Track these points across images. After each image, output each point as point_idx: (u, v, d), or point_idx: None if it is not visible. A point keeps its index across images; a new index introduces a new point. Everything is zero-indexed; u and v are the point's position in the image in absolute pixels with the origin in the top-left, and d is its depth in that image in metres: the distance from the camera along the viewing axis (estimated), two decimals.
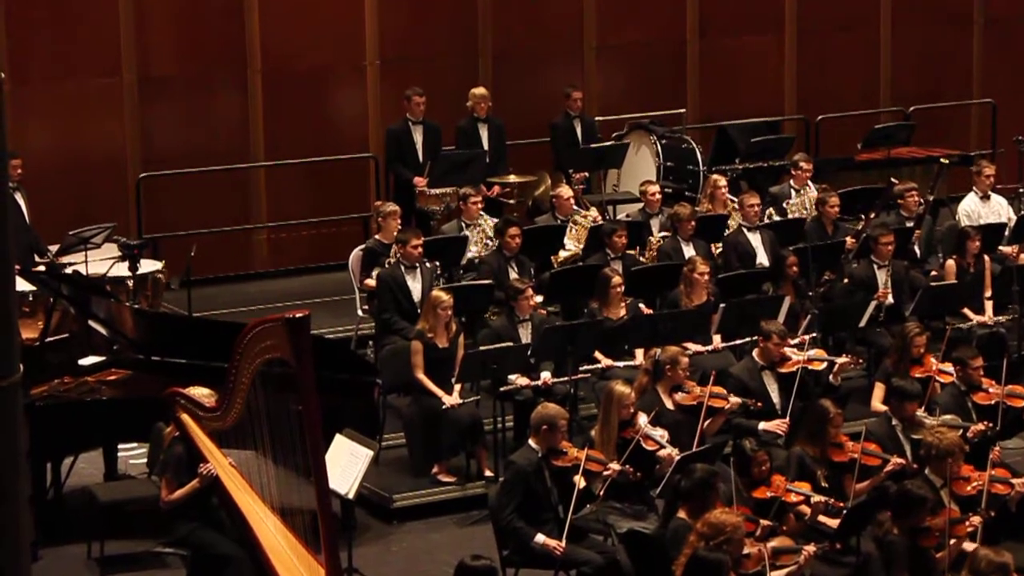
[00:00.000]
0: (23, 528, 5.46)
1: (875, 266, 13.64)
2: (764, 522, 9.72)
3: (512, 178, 15.56)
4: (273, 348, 8.24)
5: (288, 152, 16.36)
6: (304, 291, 15.51)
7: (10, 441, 5.33)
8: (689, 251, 13.81)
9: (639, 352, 12.45)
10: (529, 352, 12.02)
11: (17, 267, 6.72)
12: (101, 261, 13.21)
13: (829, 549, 9.75)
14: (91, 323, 11.50)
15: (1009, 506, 10.32)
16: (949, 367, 11.85)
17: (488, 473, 11.84)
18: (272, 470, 8.86)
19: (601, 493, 10.13)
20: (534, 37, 17.48)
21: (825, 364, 11.98)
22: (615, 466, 10.12)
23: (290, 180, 16.51)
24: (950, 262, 14.05)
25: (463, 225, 14.16)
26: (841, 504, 9.93)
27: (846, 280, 13.93)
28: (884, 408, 11.60)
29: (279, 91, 16.40)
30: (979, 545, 9.43)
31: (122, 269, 13.12)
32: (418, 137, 15.40)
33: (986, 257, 14.06)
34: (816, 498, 9.99)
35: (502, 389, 11.94)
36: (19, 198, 13.26)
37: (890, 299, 13.50)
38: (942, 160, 16.15)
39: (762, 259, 14.12)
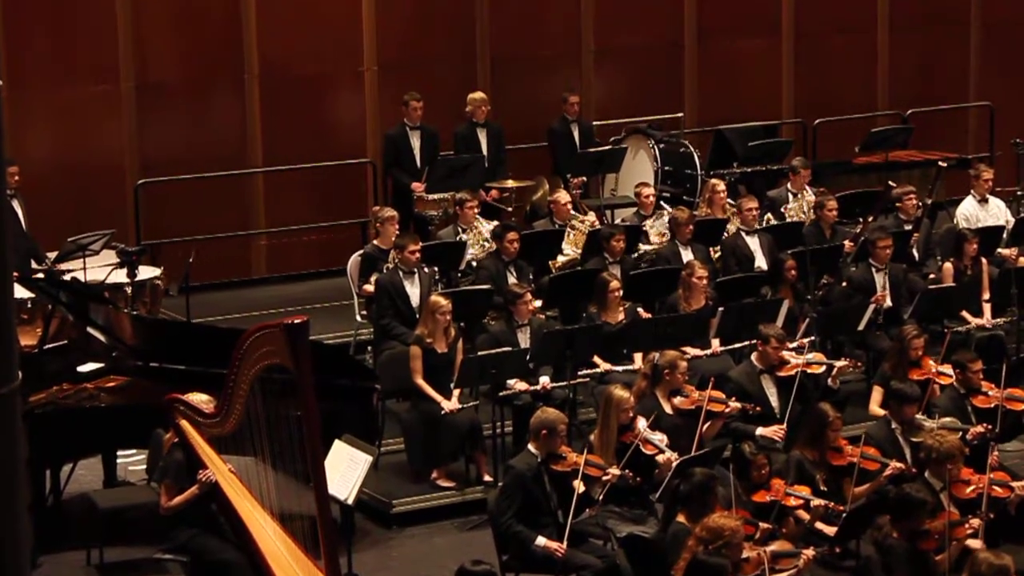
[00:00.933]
0: (23, 535, 5.46)
1: (873, 270, 13.65)
2: (763, 525, 9.73)
3: (510, 183, 15.57)
4: (272, 354, 8.25)
5: (286, 158, 16.36)
6: (303, 297, 15.51)
7: (9, 448, 5.33)
8: (687, 255, 13.82)
9: (638, 356, 12.45)
10: (528, 357, 12.02)
11: (15, 274, 6.73)
12: (99, 268, 13.20)
13: (828, 553, 9.76)
14: (90, 330, 11.50)
15: (1008, 509, 10.31)
16: (948, 370, 11.86)
17: (487, 478, 11.84)
18: (271, 476, 8.86)
19: (600, 497, 10.13)
20: (532, 42, 17.49)
21: (824, 368, 11.98)
22: (614, 471, 10.12)
23: (288, 186, 16.51)
24: (948, 265, 14.05)
25: (460, 230, 14.17)
26: (841, 508, 9.93)
27: (844, 284, 13.93)
28: (882, 412, 11.61)
29: (277, 97, 16.40)
30: (980, 547, 9.44)
31: (120, 276, 13.12)
32: (416, 142, 15.40)
33: (984, 260, 14.07)
34: (815, 502, 10.00)
35: (501, 394, 11.95)
36: (16, 205, 13.26)
37: (888, 302, 13.51)
38: (940, 163, 16.15)
39: (760, 263, 14.13)
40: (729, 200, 15.05)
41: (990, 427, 11.16)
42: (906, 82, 19.18)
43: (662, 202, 15.29)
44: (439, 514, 11.72)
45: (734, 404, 11.22)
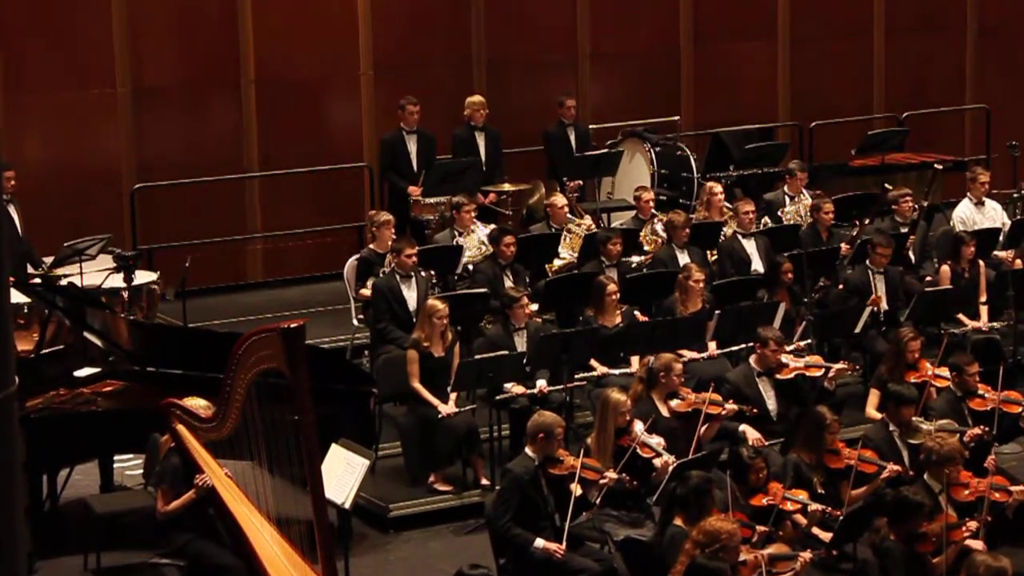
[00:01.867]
0: (19, 540, 5.46)
1: (870, 272, 13.65)
2: (760, 528, 9.73)
3: (507, 186, 15.57)
4: (268, 358, 8.26)
5: (283, 162, 16.36)
6: (299, 301, 15.50)
7: (6, 453, 5.33)
8: (684, 258, 13.81)
9: (635, 360, 12.44)
10: (525, 360, 12.02)
11: (12, 279, 6.72)
12: (96, 272, 13.19)
13: (825, 556, 9.76)
14: (86, 335, 11.50)
15: (1007, 513, 10.30)
16: (944, 372, 11.85)
17: (484, 482, 11.83)
18: (268, 480, 8.86)
19: (598, 501, 10.13)
20: (528, 46, 17.49)
21: (822, 371, 11.98)
22: (611, 474, 10.12)
23: (285, 190, 16.51)
24: (944, 268, 14.05)
25: (456, 234, 14.17)
26: (838, 513, 9.92)
27: (841, 286, 13.93)
28: (879, 415, 11.61)
29: (273, 101, 16.41)
30: (980, 548, 9.44)
31: (117, 280, 13.11)
32: (412, 146, 15.40)
33: (981, 262, 14.07)
34: (813, 507, 10.00)
35: (498, 398, 11.94)
36: (12, 209, 13.25)
37: (884, 305, 13.51)
38: (936, 166, 16.17)
39: (757, 266, 14.13)
40: (726, 203, 15.05)
41: (987, 429, 11.16)
42: (902, 85, 19.19)
43: (653, 208, 15.25)
44: (436, 518, 11.71)
45: (731, 406, 11.22)
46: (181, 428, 9.30)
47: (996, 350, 13.31)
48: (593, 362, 12.41)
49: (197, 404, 9.34)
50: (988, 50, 19.65)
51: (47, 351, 11.49)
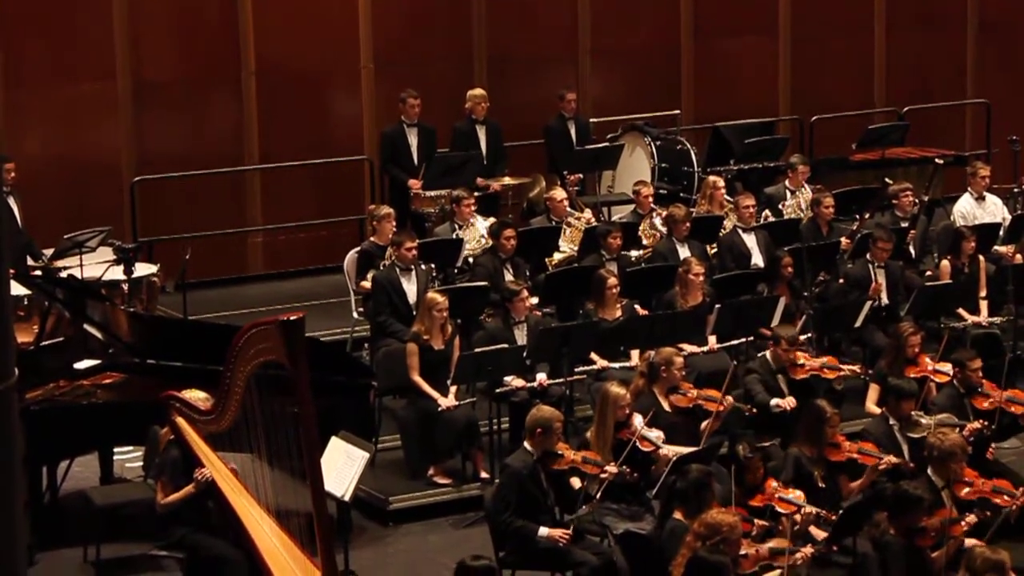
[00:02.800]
0: (19, 532, 5.46)
1: (871, 266, 13.64)
2: (759, 522, 9.72)
3: (507, 180, 15.56)
4: (268, 351, 8.25)
5: (283, 155, 16.35)
6: (299, 294, 15.49)
7: (6, 445, 5.33)
8: (684, 252, 13.81)
9: (635, 353, 12.44)
10: (525, 354, 12.01)
11: (12, 271, 6.72)
12: (96, 265, 13.20)
13: (825, 551, 9.75)
14: (86, 327, 11.50)
15: (1010, 520, 10.24)
16: (944, 367, 11.85)
17: (484, 475, 11.84)
18: (268, 473, 8.86)
19: (598, 495, 10.12)
20: (529, 39, 17.47)
21: (837, 375, 11.98)
22: (612, 468, 10.11)
23: (285, 183, 16.50)
24: (945, 262, 14.05)
25: (456, 227, 14.16)
26: (833, 516, 9.86)
27: (841, 280, 13.93)
28: (878, 409, 11.60)
29: (274, 94, 16.39)
30: (976, 543, 9.44)
31: (117, 273, 13.11)
32: (413, 139, 15.40)
33: (981, 257, 14.07)
34: (807, 509, 9.91)
35: (498, 391, 11.94)
36: (12, 202, 13.25)
37: (884, 298, 13.50)
38: (937, 160, 16.16)
39: (757, 260, 14.13)
40: (726, 197, 15.05)
41: (987, 424, 11.14)
42: (903, 79, 19.17)
43: (652, 202, 15.25)
44: (436, 511, 11.72)
45: (728, 400, 11.18)
46: (180, 420, 9.29)
47: (996, 345, 13.30)
48: (593, 356, 12.41)
49: (196, 396, 9.34)
50: (989, 45, 19.64)
51: (47, 343, 11.49)
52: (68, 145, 15.64)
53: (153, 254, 14.88)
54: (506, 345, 12.05)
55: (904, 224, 14.66)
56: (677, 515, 9.57)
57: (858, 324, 13.19)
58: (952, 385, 11.58)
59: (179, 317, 13.74)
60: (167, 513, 9.61)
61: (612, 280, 12.72)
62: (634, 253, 14.16)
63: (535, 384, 11.97)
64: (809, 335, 12.71)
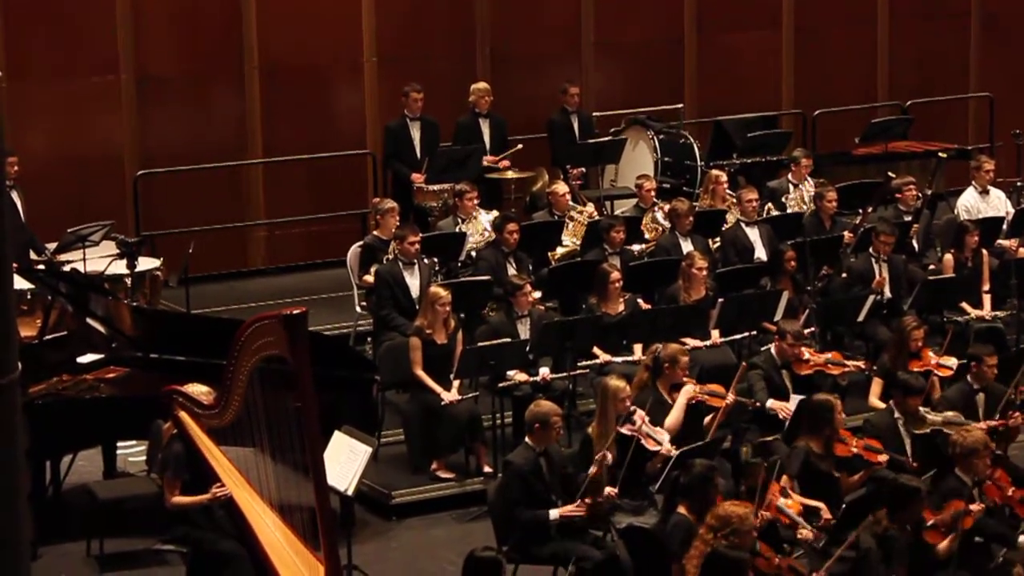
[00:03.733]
0: (22, 526, 5.46)
1: (873, 260, 13.64)
2: (764, 514, 9.68)
3: (510, 174, 15.55)
4: (271, 345, 8.24)
5: (286, 149, 16.35)
6: (302, 288, 15.50)
7: (9, 439, 5.33)
8: (687, 246, 13.80)
9: (638, 347, 12.45)
10: (527, 348, 12.02)
11: (15, 265, 6.72)
12: (99, 259, 13.20)
13: (824, 525, 9.70)
14: (89, 321, 11.50)
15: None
16: (948, 361, 11.85)
17: (487, 469, 11.84)
18: (271, 467, 8.85)
19: (613, 491, 10.10)
20: (532, 33, 17.47)
21: (842, 371, 11.97)
22: (611, 491, 10.05)
23: (288, 177, 16.51)
24: (948, 256, 14.05)
25: (459, 221, 14.16)
26: (822, 536, 9.80)
27: (844, 274, 13.93)
28: (881, 404, 11.59)
29: (277, 88, 16.39)
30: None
31: (120, 267, 13.11)
32: (416, 133, 15.39)
33: (984, 251, 14.06)
34: (803, 532, 9.83)
35: (501, 385, 11.94)
36: (15, 196, 13.25)
37: (887, 292, 13.50)
38: (940, 154, 16.15)
39: (760, 254, 14.13)
40: (729, 191, 15.05)
41: (1013, 415, 11.07)
42: (906, 73, 19.17)
43: (654, 196, 15.24)
44: (439, 505, 11.72)
45: (731, 396, 11.17)
46: (183, 415, 9.28)
47: (999, 339, 13.30)
48: (596, 350, 12.41)
49: (199, 390, 9.32)
50: (992, 38, 19.62)
51: (50, 337, 11.48)
52: (71, 139, 15.65)
53: (156, 248, 14.87)
54: (509, 339, 12.05)
55: (907, 218, 14.66)
56: (681, 509, 9.56)
57: (861, 318, 13.19)
58: (966, 381, 11.52)
59: (182, 311, 13.74)
60: (173, 512, 9.59)
61: (615, 274, 12.71)
62: (637, 247, 14.15)
63: (538, 378, 11.97)
64: (812, 329, 12.69)
